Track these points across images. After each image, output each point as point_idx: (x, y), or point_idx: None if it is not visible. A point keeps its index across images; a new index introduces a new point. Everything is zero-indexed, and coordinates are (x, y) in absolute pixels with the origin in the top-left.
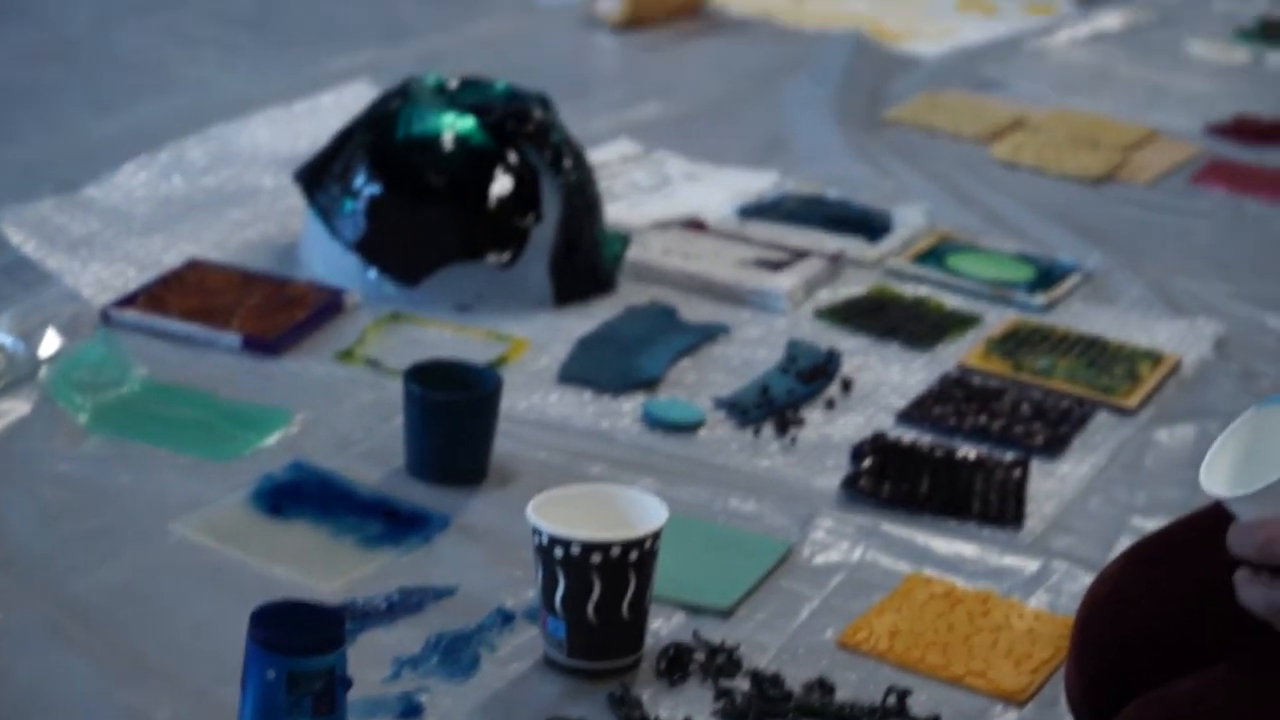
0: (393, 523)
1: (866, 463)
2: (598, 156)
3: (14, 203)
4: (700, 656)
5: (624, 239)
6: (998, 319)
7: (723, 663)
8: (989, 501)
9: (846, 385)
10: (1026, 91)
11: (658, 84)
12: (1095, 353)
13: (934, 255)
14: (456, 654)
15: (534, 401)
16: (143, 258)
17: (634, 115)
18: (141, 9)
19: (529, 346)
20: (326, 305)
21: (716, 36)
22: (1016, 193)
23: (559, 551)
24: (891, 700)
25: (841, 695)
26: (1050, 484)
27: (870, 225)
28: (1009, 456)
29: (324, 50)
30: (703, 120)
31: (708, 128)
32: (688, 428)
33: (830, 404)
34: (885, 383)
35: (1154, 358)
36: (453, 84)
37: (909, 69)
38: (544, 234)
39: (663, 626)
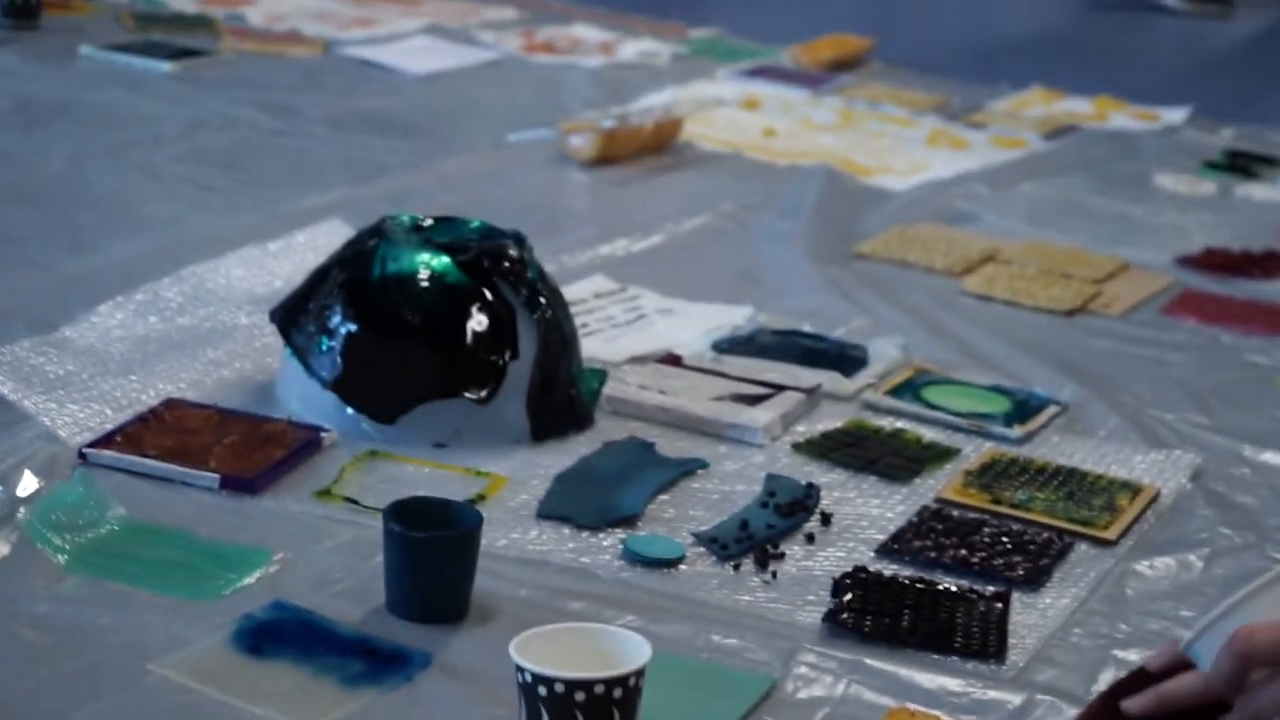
0: (374, 661)
1: (848, 597)
2: (573, 293)
3: None
4: None
5: (601, 375)
6: (975, 451)
7: None
8: (971, 635)
9: (826, 519)
10: (998, 225)
11: (630, 220)
12: (1073, 485)
13: (910, 388)
14: None
15: (513, 538)
16: (120, 397)
17: (607, 251)
18: (114, 149)
19: (507, 483)
20: (304, 444)
21: (687, 172)
22: (990, 325)
23: (542, 690)
24: None
25: None
26: (1032, 617)
27: (846, 359)
28: (990, 589)
29: (297, 188)
30: (676, 255)
31: (681, 263)
32: (668, 563)
33: (810, 538)
34: (864, 516)
35: (1132, 489)
36: (427, 222)
37: (880, 203)
38: (521, 371)
39: None
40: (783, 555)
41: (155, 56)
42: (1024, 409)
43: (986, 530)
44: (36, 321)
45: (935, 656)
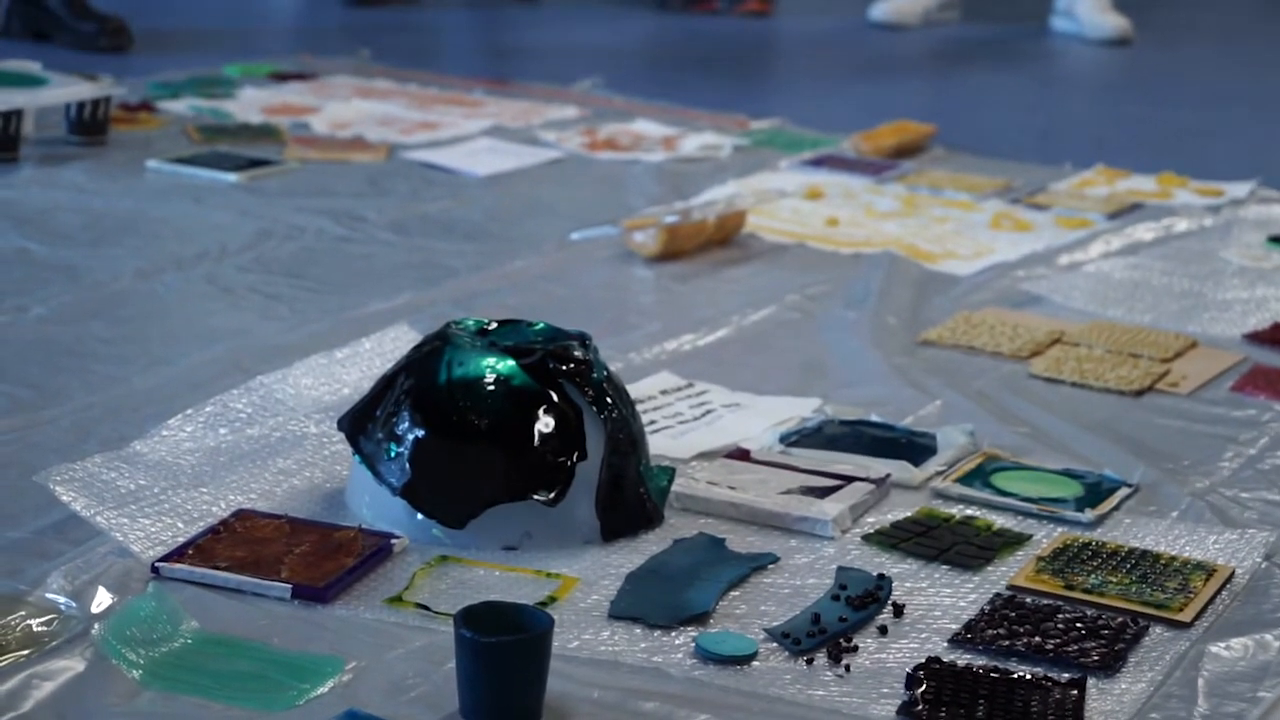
0: None
1: (922, 689)
2: (640, 390)
3: (62, 461)
4: None
5: (669, 472)
6: (1047, 537)
7: None
8: None
9: (898, 610)
10: (1063, 306)
11: (696, 314)
12: (1147, 567)
13: (980, 475)
14: None
15: (585, 639)
16: (191, 510)
17: (674, 346)
18: (183, 261)
19: (578, 584)
20: (375, 551)
21: (752, 264)
22: (1059, 408)
23: None
24: None
25: None
26: (1108, 703)
27: (914, 447)
28: (1065, 676)
29: (363, 294)
30: (742, 349)
31: (747, 356)
32: (741, 660)
33: (883, 630)
34: (937, 606)
35: (1206, 570)
36: (492, 326)
37: (945, 288)
38: (589, 471)
39: None
40: (856, 648)
41: (221, 168)
42: (1095, 492)
43: (1060, 616)
44: (109, 436)
45: None
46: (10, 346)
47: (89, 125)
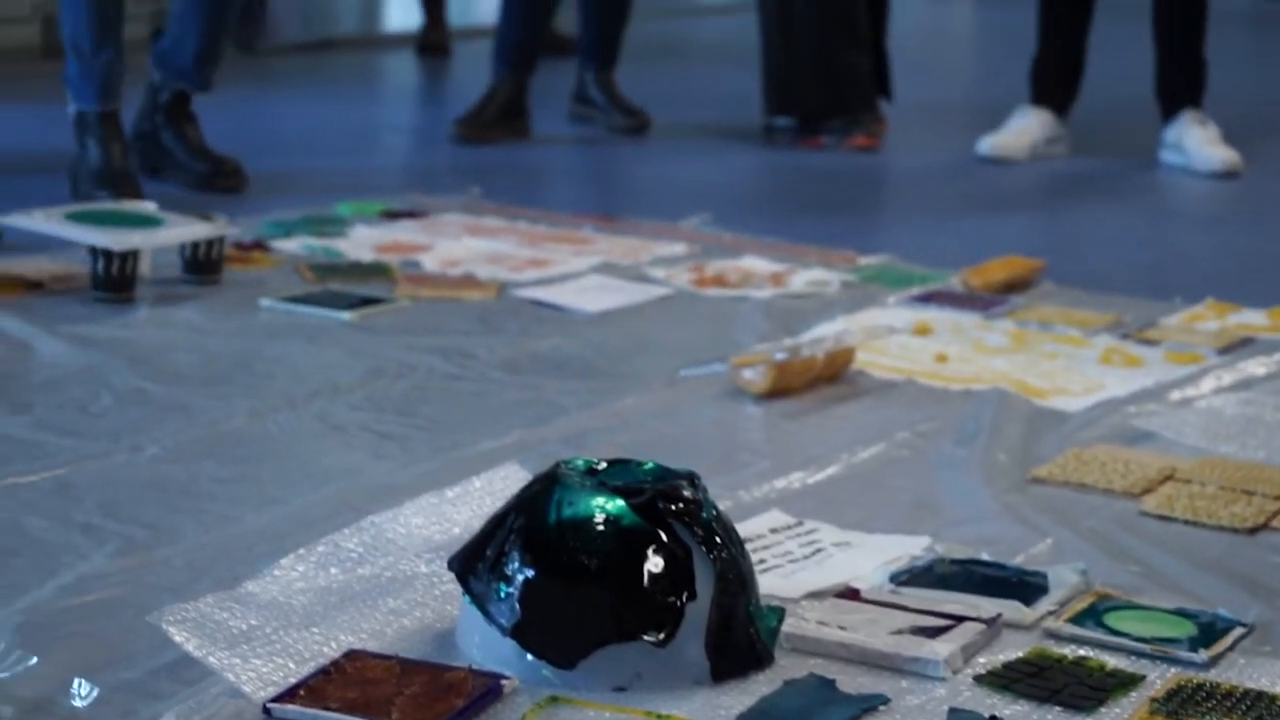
0: None
1: None
2: (749, 529)
3: (175, 601)
4: None
5: (779, 612)
6: (1160, 678)
7: None
8: None
9: None
10: (1175, 442)
11: (805, 452)
12: (1262, 708)
13: (1092, 614)
14: None
15: None
16: (302, 650)
17: (783, 485)
18: (295, 400)
19: None
20: (485, 691)
21: (861, 401)
22: (1172, 546)
23: None
24: None
25: None
26: None
27: (1026, 586)
28: None
29: (473, 433)
30: (852, 486)
31: (857, 494)
32: None
33: None
34: None
35: None
36: (602, 465)
37: (1056, 425)
38: (699, 611)
39: None
40: None
41: (334, 306)
42: (1209, 632)
43: None
44: (222, 576)
45: None
46: (126, 486)
47: (204, 265)
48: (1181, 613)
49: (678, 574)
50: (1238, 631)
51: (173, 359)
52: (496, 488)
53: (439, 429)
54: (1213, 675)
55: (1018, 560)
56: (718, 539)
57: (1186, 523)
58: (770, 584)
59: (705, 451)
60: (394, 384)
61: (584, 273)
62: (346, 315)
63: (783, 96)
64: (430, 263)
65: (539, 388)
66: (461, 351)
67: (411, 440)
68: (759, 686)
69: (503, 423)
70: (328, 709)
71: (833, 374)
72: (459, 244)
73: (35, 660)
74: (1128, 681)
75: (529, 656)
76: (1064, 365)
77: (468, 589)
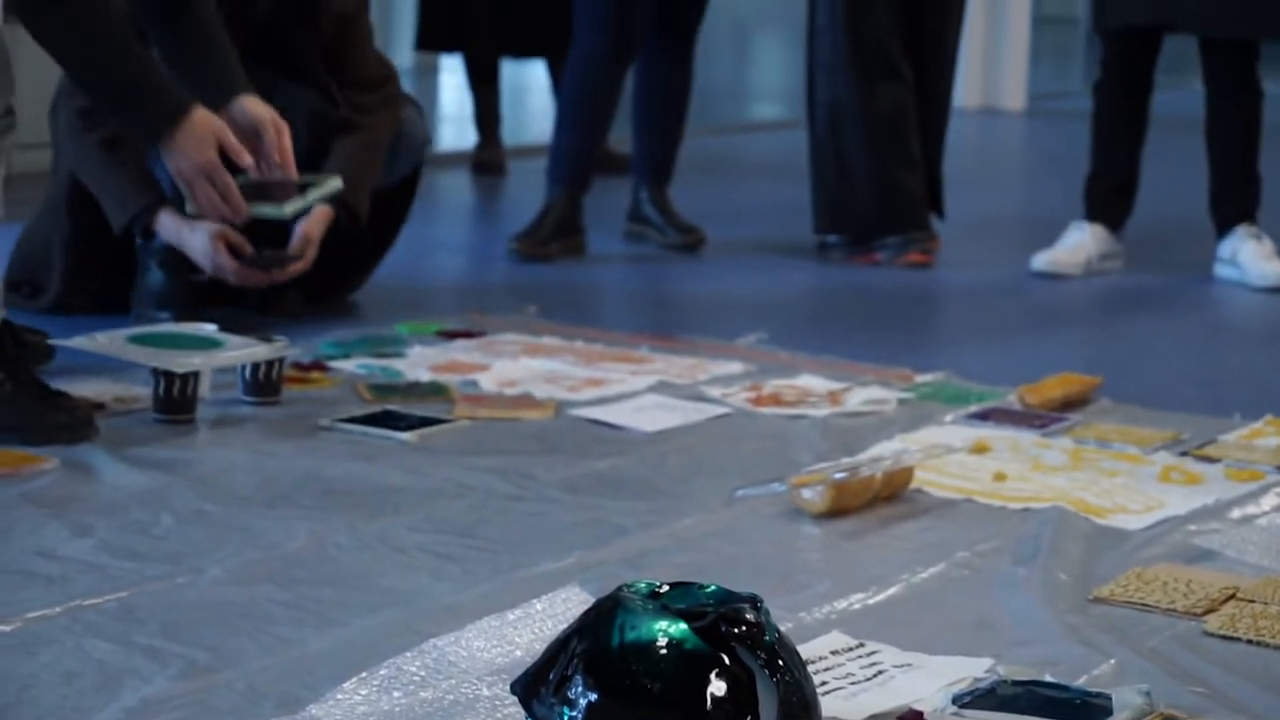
0: None
1: None
2: (810, 650)
3: None
4: None
5: None
6: None
7: None
8: None
9: None
10: (1237, 561)
11: (865, 572)
12: None
13: None
14: None
15: None
16: None
17: (843, 605)
18: (355, 521)
19: None
20: None
21: (920, 520)
22: (1236, 667)
23: None
24: None
25: None
26: None
27: (1089, 708)
28: None
29: (533, 554)
30: (912, 607)
31: (918, 615)
32: None
33: None
34: None
35: None
36: (664, 589)
37: (1116, 543)
38: None
39: None
40: None
41: (392, 427)
42: None
43: None
44: (285, 698)
45: None
46: (187, 609)
47: (263, 386)
48: None
49: (741, 698)
50: None
51: (233, 480)
52: (558, 610)
53: (499, 550)
54: None
55: (1081, 682)
56: (781, 662)
57: (1250, 642)
58: (833, 706)
59: (765, 572)
60: (453, 505)
61: (641, 392)
62: (405, 436)
63: (834, 214)
64: (488, 382)
65: (598, 508)
66: (520, 472)
67: (471, 561)
68: None
69: (562, 543)
70: None
71: (891, 493)
72: (516, 364)
73: None
74: None
75: None
76: (1123, 483)
77: (531, 713)
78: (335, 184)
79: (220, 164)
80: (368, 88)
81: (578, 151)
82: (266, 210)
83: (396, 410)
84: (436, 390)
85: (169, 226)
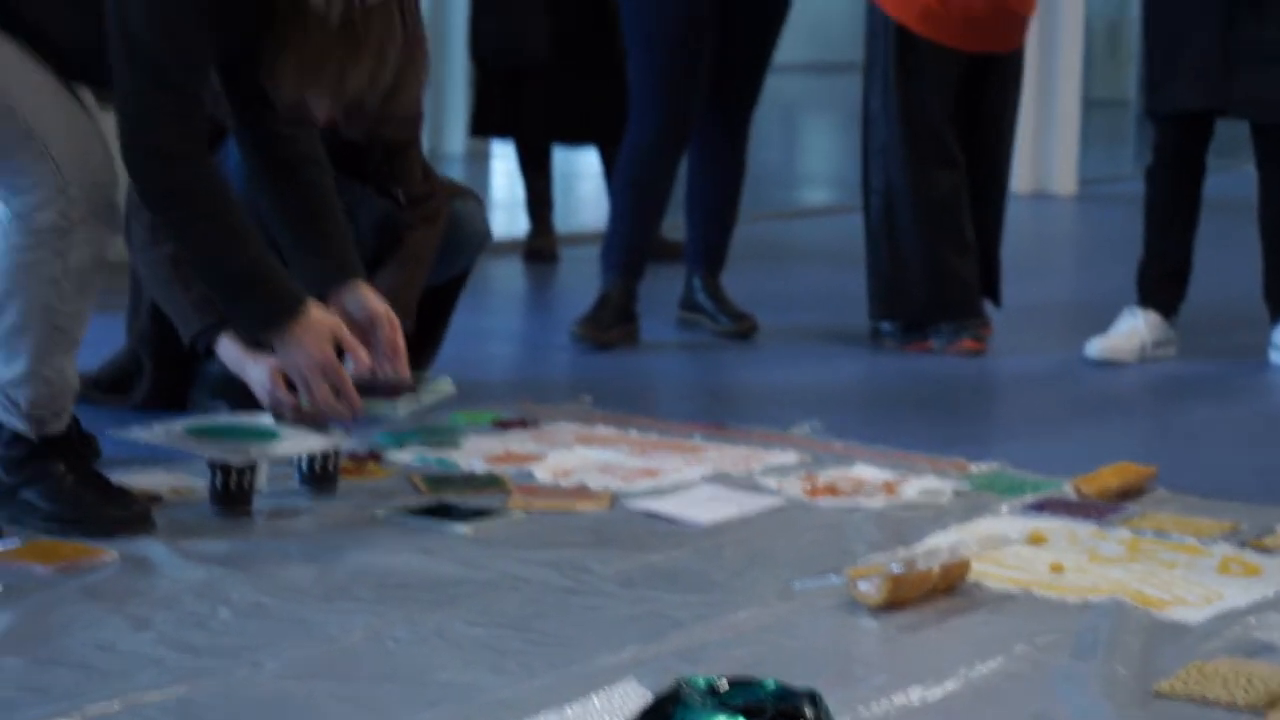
0: None
1: None
2: None
3: None
4: None
5: None
6: None
7: None
8: None
9: None
10: None
11: (923, 665)
12: None
13: None
14: None
15: None
16: None
17: (901, 700)
18: (411, 615)
19: None
20: None
21: (978, 613)
22: None
23: None
24: None
25: None
26: None
27: None
28: None
29: (590, 648)
30: (970, 702)
31: (976, 709)
32: None
33: None
34: None
35: None
36: (722, 684)
37: (1175, 637)
38: None
39: None
40: None
41: (448, 518)
42: None
43: None
44: None
45: None
46: (246, 703)
47: (319, 477)
48: None
49: None
50: None
51: (290, 573)
52: (616, 705)
53: (555, 644)
54: None
55: None
56: None
57: None
58: None
59: (822, 666)
60: (510, 598)
61: (696, 482)
62: (461, 528)
63: (888, 301)
64: (543, 473)
65: (654, 601)
66: (576, 565)
67: (528, 655)
68: None
69: (619, 637)
70: None
71: (948, 585)
72: (571, 453)
73: None
74: None
75: None
76: (1181, 575)
77: None
78: (448, 388)
79: (337, 361)
80: (414, 202)
81: (633, 239)
82: (381, 409)
83: (452, 502)
84: (492, 482)
85: (229, 352)
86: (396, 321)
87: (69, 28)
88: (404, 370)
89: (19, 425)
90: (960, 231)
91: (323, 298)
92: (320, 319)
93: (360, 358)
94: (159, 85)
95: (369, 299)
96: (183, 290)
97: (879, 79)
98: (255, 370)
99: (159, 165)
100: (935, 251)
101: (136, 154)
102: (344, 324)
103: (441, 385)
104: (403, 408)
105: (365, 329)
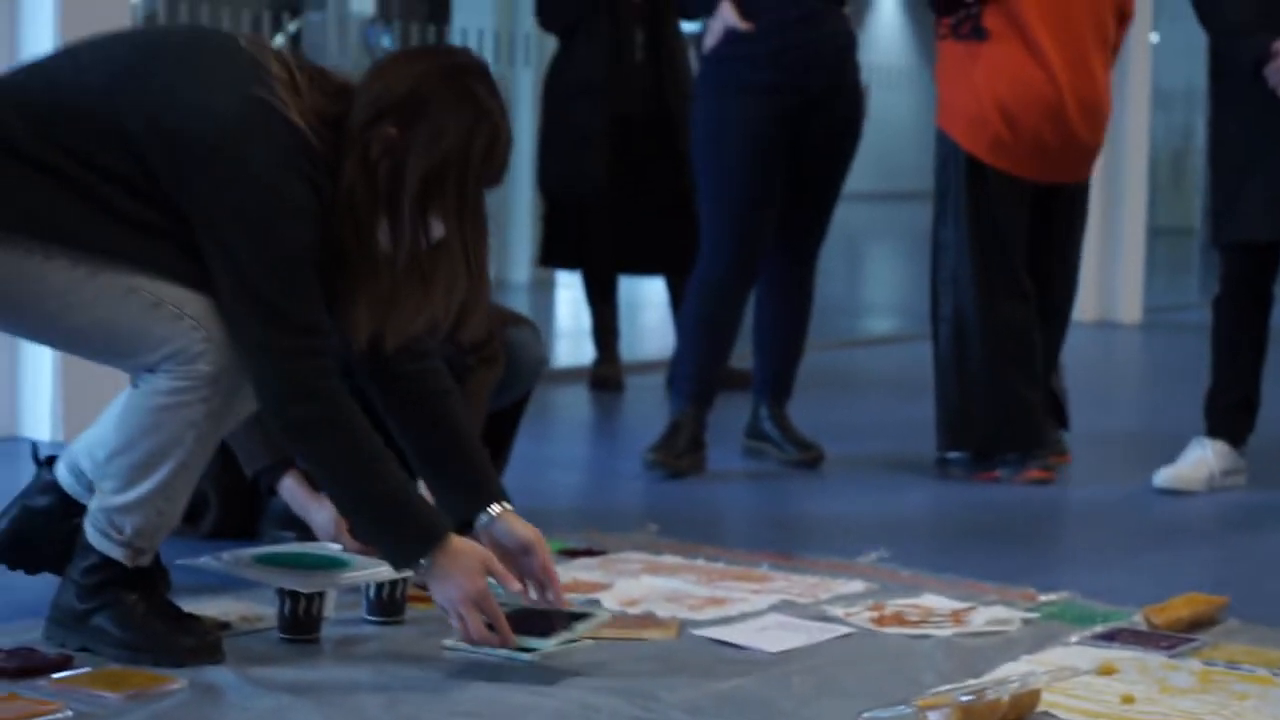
0: None
1: None
2: None
3: None
4: None
5: None
6: None
7: None
8: None
9: None
10: None
11: None
12: None
13: None
14: None
15: None
16: None
17: None
18: None
19: None
20: None
21: None
22: None
23: None
24: None
25: None
26: None
27: None
28: None
29: None
30: None
31: None
32: None
33: None
34: None
35: None
36: None
37: None
38: None
39: None
40: None
41: (517, 648)
42: None
43: None
44: None
45: None
46: None
47: (388, 605)
48: None
49: None
50: None
51: (359, 701)
52: None
53: None
54: None
55: None
56: None
57: None
58: None
59: None
60: None
61: (764, 611)
62: (530, 657)
63: (956, 430)
64: (610, 601)
65: None
66: (644, 693)
67: None
68: None
69: None
70: None
71: (1018, 715)
72: (638, 582)
73: None
74: None
75: None
76: (1254, 706)
77: None
78: (603, 617)
79: (490, 593)
80: (474, 346)
81: (702, 369)
82: (532, 642)
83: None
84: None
85: (293, 493)
86: (548, 547)
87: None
88: (560, 599)
89: (114, 552)
90: (1030, 363)
91: (469, 527)
92: (468, 549)
93: (513, 587)
94: (284, 331)
95: (517, 526)
96: (246, 426)
97: (950, 208)
98: (319, 515)
99: (299, 405)
100: (1004, 382)
101: (271, 400)
102: (493, 554)
103: (596, 617)
104: (555, 642)
105: (516, 556)
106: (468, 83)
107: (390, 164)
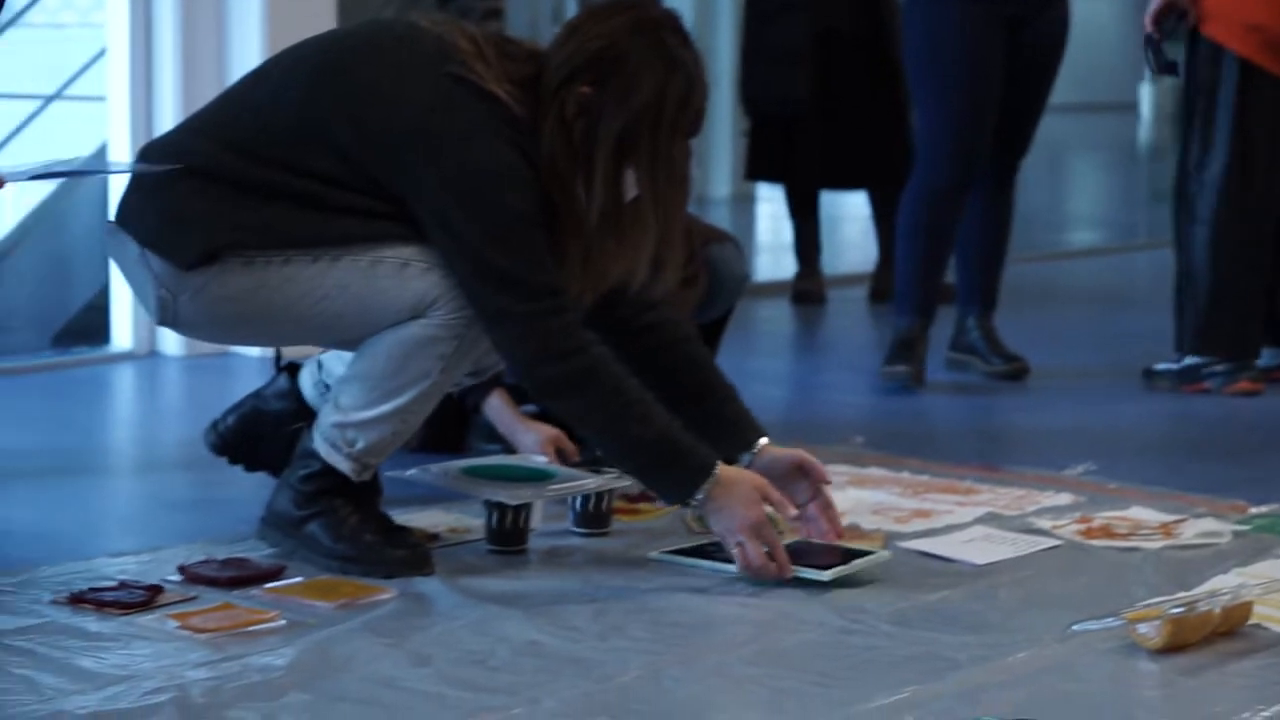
0: None
1: None
2: None
3: None
4: None
5: None
6: None
7: None
8: None
9: None
10: None
11: (1205, 710)
12: None
13: None
14: None
15: None
16: None
17: None
18: (688, 654)
19: None
20: None
21: (1259, 656)
22: None
23: None
24: None
25: None
26: None
27: None
28: None
29: (867, 688)
30: None
31: None
32: None
33: None
34: None
35: None
36: None
37: None
38: None
39: None
40: None
41: (722, 559)
42: None
43: None
44: None
45: None
46: None
47: (593, 517)
48: None
49: None
50: None
51: (566, 611)
52: None
53: (833, 684)
54: None
55: None
56: None
57: None
58: None
59: (1102, 710)
60: (786, 638)
61: (969, 524)
62: (734, 569)
63: (1205, 336)
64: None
65: (930, 642)
66: (851, 605)
67: (807, 695)
68: None
69: (896, 678)
70: None
71: (1229, 628)
72: (843, 495)
73: None
74: None
75: None
76: None
77: None
78: (883, 556)
79: (769, 522)
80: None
81: (924, 280)
82: (808, 574)
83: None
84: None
85: (499, 413)
86: (824, 472)
87: None
88: (835, 524)
89: (342, 465)
90: (1275, 272)
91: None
92: (743, 478)
93: (789, 512)
94: (521, 297)
95: (780, 455)
96: None
97: (1215, 111)
98: (526, 438)
99: (549, 366)
100: (1256, 288)
101: (520, 364)
102: (767, 483)
103: (876, 555)
104: (830, 574)
105: (789, 482)
106: (660, 35)
107: (585, 123)
